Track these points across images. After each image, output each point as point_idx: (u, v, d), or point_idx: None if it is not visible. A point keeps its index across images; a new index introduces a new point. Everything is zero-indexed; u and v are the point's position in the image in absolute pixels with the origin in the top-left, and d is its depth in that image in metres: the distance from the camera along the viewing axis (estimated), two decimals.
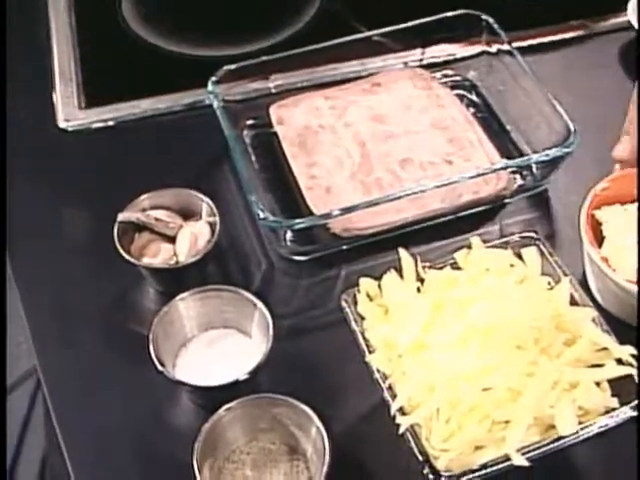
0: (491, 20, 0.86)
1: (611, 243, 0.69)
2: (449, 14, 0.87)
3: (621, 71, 0.92)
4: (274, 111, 0.85)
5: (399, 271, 0.66)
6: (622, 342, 0.63)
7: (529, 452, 0.58)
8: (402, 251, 0.67)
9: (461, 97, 0.88)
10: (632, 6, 0.92)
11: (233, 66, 0.84)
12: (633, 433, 0.63)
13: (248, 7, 0.98)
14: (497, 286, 0.63)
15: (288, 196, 0.80)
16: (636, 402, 0.61)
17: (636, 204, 0.71)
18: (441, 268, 0.67)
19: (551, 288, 0.65)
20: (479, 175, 0.75)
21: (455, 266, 0.67)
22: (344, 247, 0.77)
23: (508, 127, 0.86)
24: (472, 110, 0.87)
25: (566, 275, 0.66)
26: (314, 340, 0.72)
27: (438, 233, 0.78)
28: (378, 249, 0.76)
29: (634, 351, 0.62)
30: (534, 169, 0.79)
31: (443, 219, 0.79)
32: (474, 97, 0.89)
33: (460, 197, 0.77)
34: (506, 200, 0.81)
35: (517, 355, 0.60)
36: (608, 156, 0.78)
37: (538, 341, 0.61)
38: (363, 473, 0.65)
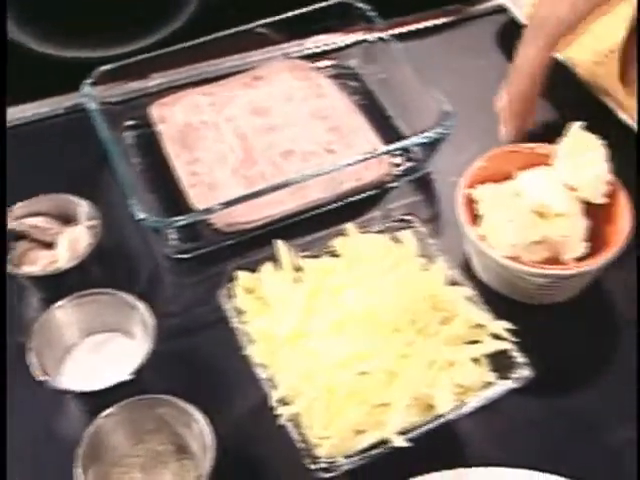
0: (366, 7, 0.87)
1: (487, 221, 0.70)
2: (325, 3, 0.88)
3: (498, 52, 0.93)
4: (154, 110, 0.85)
5: (277, 262, 0.66)
6: (506, 317, 0.64)
7: (409, 432, 0.59)
8: (279, 242, 0.67)
9: (343, 86, 0.89)
10: None
11: (109, 66, 0.83)
12: (514, 404, 0.65)
13: (125, 6, 0.97)
14: (371, 271, 0.64)
15: (171, 195, 0.80)
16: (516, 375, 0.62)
17: (508, 182, 0.73)
18: (319, 257, 0.67)
19: (427, 269, 0.66)
20: (358, 162, 0.76)
21: (334, 254, 0.67)
22: (229, 242, 0.77)
23: (390, 113, 0.86)
24: (354, 98, 0.88)
25: (442, 255, 0.67)
26: (200, 338, 0.72)
27: (322, 222, 0.78)
28: (263, 242, 0.75)
29: (509, 325, 0.63)
30: (415, 152, 0.80)
31: (326, 208, 0.79)
32: (356, 85, 0.89)
33: (341, 185, 0.78)
34: (390, 185, 0.81)
35: (393, 337, 0.61)
36: (487, 136, 0.79)
37: (414, 322, 0.62)
38: (250, 466, 0.65)
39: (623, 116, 0.83)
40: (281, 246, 0.67)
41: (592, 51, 0.89)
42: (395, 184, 0.82)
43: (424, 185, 0.82)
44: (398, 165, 0.81)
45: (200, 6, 0.97)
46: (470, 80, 0.90)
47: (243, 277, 0.66)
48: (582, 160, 0.72)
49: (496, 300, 0.73)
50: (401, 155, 0.80)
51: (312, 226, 0.78)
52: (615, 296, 0.75)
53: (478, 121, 0.85)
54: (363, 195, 0.80)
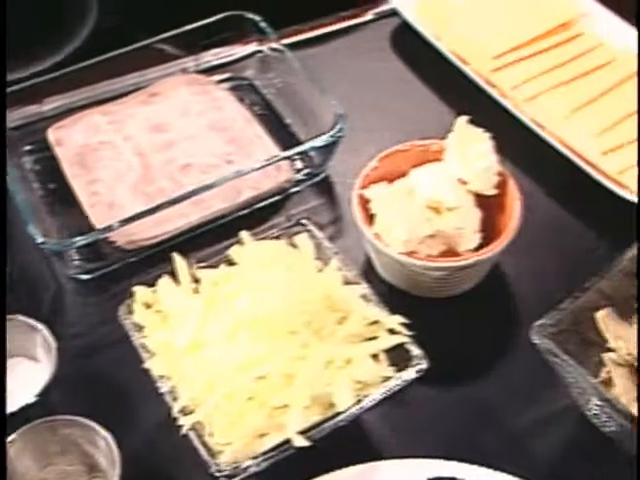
0: (258, 19, 0.88)
1: (380, 220, 0.72)
2: (218, 17, 0.89)
3: (391, 55, 0.95)
4: (52, 133, 0.85)
5: (174, 275, 0.67)
6: (407, 312, 0.66)
7: (310, 432, 0.60)
8: (175, 255, 0.68)
9: (240, 97, 0.90)
10: None
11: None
12: (417, 396, 0.67)
13: (19, 31, 0.96)
14: (266, 276, 0.65)
15: (73, 217, 0.80)
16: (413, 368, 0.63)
17: (400, 180, 0.75)
18: (216, 266, 0.68)
19: (321, 271, 0.67)
20: (254, 170, 0.77)
21: (231, 263, 0.68)
22: (132, 259, 0.78)
23: (288, 121, 0.88)
24: (252, 109, 0.89)
25: (337, 257, 0.68)
26: (104, 356, 0.72)
27: (226, 233, 0.78)
28: (167, 257, 0.77)
29: (403, 320, 0.65)
30: (312, 157, 0.81)
31: (229, 218, 0.80)
32: (253, 96, 0.91)
33: (240, 194, 0.79)
34: (290, 191, 0.83)
35: (288, 340, 0.62)
36: (383, 137, 0.81)
37: (310, 324, 0.63)
38: (158, 477, 0.65)
39: (510, 107, 0.86)
40: (178, 259, 0.68)
41: (485, 47, 0.91)
42: (296, 189, 0.83)
43: (325, 189, 0.84)
44: (298, 171, 0.82)
45: (96, 26, 0.97)
46: (365, 84, 0.92)
47: (141, 292, 0.66)
48: (470, 154, 0.74)
49: (398, 296, 0.75)
50: (300, 160, 0.82)
51: (216, 237, 0.78)
52: (513, 285, 0.78)
53: (374, 123, 0.87)
54: (265, 203, 0.82)
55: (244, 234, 0.69)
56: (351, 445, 0.66)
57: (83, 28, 0.97)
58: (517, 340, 0.72)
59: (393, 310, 0.66)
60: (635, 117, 0.84)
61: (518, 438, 0.68)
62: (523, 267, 0.78)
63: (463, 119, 0.74)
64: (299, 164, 0.82)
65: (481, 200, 0.75)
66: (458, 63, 0.89)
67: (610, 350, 0.67)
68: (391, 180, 0.75)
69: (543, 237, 0.80)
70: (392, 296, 0.75)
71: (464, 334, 0.74)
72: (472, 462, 0.65)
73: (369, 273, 0.77)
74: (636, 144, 0.83)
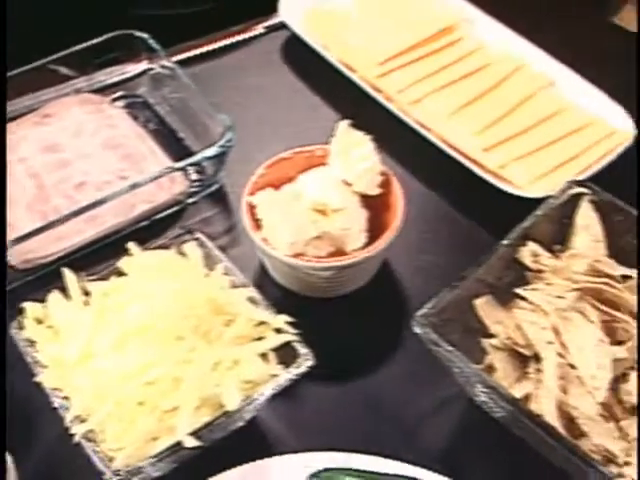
0: (147, 37, 0.90)
1: (266, 224, 0.74)
2: (108, 36, 0.91)
3: (283, 67, 0.99)
4: None
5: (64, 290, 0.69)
6: (298, 312, 0.68)
7: (201, 432, 0.62)
8: (64, 270, 0.69)
9: (134, 115, 0.92)
10: (284, 6, 0.98)
11: None
12: (310, 393, 0.71)
13: None
14: (153, 285, 0.67)
15: None
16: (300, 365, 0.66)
17: (286, 185, 0.77)
18: (106, 279, 0.70)
19: (208, 277, 0.69)
20: (144, 184, 0.79)
21: (121, 274, 0.70)
22: (29, 278, 0.79)
23: (181, 135, 0.90)
24: (147, 125, 0.91)
25: (224, 262, 0.71)
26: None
27: (121, 247, 0.80)
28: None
29: (289, 319, 0.67)
30: (204, 168, 0.84)
31: (124, 232, 0.82)
32: (147, 112, 0.93)
33: (134, 208, 0.81)
34: (186, 202, 0.85)
35: (176, 345, 0.64)
36: (273, 146, 0.83)
37: (197, 328, 0.65)
38: None
39: (395, 110, 0.89)
40: (67, 273, 0.69)
41: (371, 54, 0.95)
42: (191, 201, 0.85)
43: (219, 199, 0.86)
44: (192, 182, 0.85)
45: None
46: (256, 96, 0.95)
47: (31, 308, 0.68)
48: (353, 156, 0.77)
49: (290, 298, 0.78)
50: (193, 172, 0.84)
51: (112, 252, 0.79)
52: (403, 281, 0.81)
53: (265, 134, 0.90)
54: (160, 215, 0.83)
55: (132, 245, 0.71)
56: (249, 444, 0.68)
57: None
58: (405, 333, 0.75)
59: (285, 311, 0.69)
60: (513, 115, 0.89)
61: (410, 427, 0.71)
62: (412, 263, 0.81)
63: (345, 123, 0.77)
64: (192, 175, 0.84)
65: (367, 200, 0.78)
66: (346, 71, 0.93)
67: (491, 336, 0.70)
68: (279, 186, 0.78)
69: (430, 233, 0.83)
70: (284, 298, 0.78)
71: (354, 331, 0.77)
72: (364, 452, 0.67)
73: (262, 278, 0.79)
74: (515, 140, 0.87)
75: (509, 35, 0.95)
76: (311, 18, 0.99)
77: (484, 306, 0.70)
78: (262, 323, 0.68)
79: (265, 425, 0.71)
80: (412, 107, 0.90)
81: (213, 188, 0.86)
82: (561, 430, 0.63)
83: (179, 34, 0.97)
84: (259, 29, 0.98)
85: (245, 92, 0.94)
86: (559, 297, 0.68)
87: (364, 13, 1.01)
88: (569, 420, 0.64)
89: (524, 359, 0.69)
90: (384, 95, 0.91)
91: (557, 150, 0.87)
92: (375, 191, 0.77)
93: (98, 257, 0.79)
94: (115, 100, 0.93)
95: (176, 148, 0.89)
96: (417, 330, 0.66)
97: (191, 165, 0.82)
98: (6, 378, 0.71)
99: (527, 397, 0.67)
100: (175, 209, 0.85)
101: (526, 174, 0.84)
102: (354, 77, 0.92)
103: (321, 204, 0.75)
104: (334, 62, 0.94)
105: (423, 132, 0.87)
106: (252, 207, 0.76)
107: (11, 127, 0.89)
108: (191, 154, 0.87)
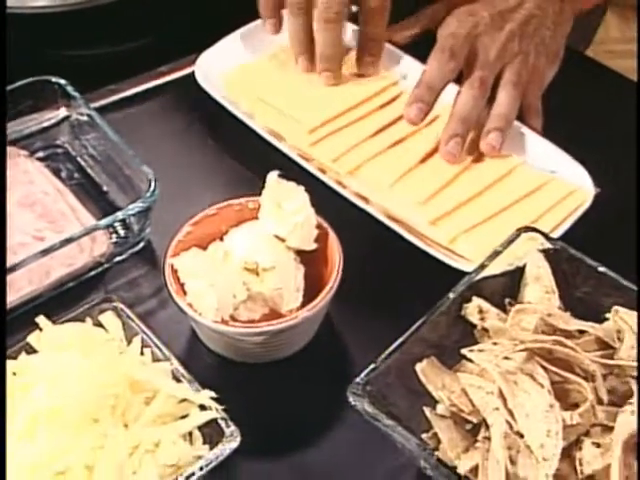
0: (63, 82, 0.90)
1: (190, 289, 0.73)
2: (22, 82, 0.90)
3: (193, 114, 0.98)
4: None
5: None
6: (232, 381, 0.69)
7: None
8: None
9: (56, 167, 0.91)
10: (200, 73, 0.96)
11: None
12: (241, 470, 0.70)
13: None
14: (65, 362, 0.66)
15: None
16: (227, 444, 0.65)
17: (211, 245, 0.77)
18: (16, 357, 0.69)
19: (124, 352, 0.68)
20: (60, 246, 0.77)
21: (31, 350, 0.69)
22: None
23: (105, 188, 0.89)
24: (68, 178, 0.90)
25: (144, 333, 0.70)
26: None
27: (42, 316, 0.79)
28: None
29: (213, 394, 0.67)
30: (128, 224, 0.83)
31: (41, 300, 0.80)
32: (69, 164, 0.92)
33: (50, 274, 0.80)
34: (111, 262, 0.84)
35: (90, 429, 0.63)
36: (200, 198, 0.83)
37: (114, 409, 0.64)
38: None
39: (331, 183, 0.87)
40: None
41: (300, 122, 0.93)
42: (115, 260, 0.84)
43: (145, 258, 0.85)
44: (116, 241, 0.84)
45: None
46: (174, 144, 0.95)
47: None
48: (286, 209, 0.76)
49: (224, 366, 0.77)
50: (116, 229, 0.83)
51: (25, 324, 0.78)
52: (345, 342, 0.80)
53: (196, 186, 0.89)
54: (83, 278, 0.82)
55: (41, 319, 0.70)
56: None
57: None
58: (346, 400, 0.74)
59: (215, 382, 0.68)
60: (461, 180, 0.88)
61: None
62: (353, 323, 0.80)
63: (274, 174, 0.76)
64: (116, 234, 0.83)
65: (303, 255, 0.77)
66: (273, 141, 0.90)
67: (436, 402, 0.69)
68: (206, 244, 0.77)
69: (372, 290, 0.82)
70: (216, 366, 0.77)
71: (291, 400, 0.76)
72: None
73: (193, 344, 0.78)
74: (464, 209, 0.85)
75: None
76: (231, 82, 0.98)
77: (426, 370, 0.69)
78: (185, 400, 0.67)
79: None
80: (349, 177, 0.88)
81: (138, 247, 0.85)
82: None
83: (101, 75, 0.96)
84: (191, 68, 0.97)
85: (162, 140, 0.94)
86: (506, 358, 0.67)
87: (289, 79, 0.99)
88: None
89: (473, 426, 0.68)
90: (316, 164, 0.89)
91: (511, 217, 0.84)
92: (311, 246, 0.77)
93: (11, 329, 0.78)
94: (34, 152, 0.92)
95: (100, 202, 0.88)
96: (352, 402, 0.65)
97: (115, 222, 0.81)
98: None
99: (476, 469, 0.66)
100: (97, 271, 0.83)
101: (478, 247, 0.81)
102: (283, 147, 0.90)
103: (251, 263, 0.74)
104: (261, 132, 0.91)
105: (362, 205, 0.85)
106: (175, 270, 0.75)
107: None
108: (116, 209, 0.86)
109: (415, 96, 0.90)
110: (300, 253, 0.77)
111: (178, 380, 0.68)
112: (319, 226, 0.77)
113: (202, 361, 0.77)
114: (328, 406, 0.75)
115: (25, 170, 0.89)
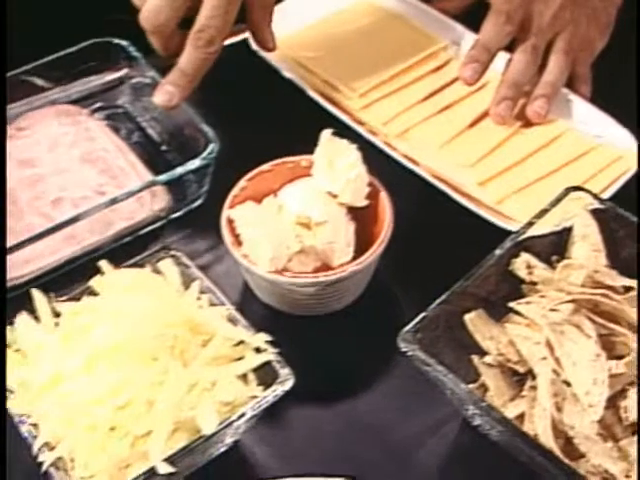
0: (126, 44, 0.93)
1: (245, 240, 0.76)
2: (84, 44, 0.93)
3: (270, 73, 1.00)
4: None
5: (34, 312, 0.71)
6: (283, 331, 0.70)
7: (176, 458, 0.64)
8: (34, 291, 0.71)
9: (116, 126, 0.94)
10: None
11: None
12: (293, 415, 0.72)
13: None
14: (124, 303, 0.68)
15: None
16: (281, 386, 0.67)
17: (267, 198, 0.79)
18: (79, 298, 0.71)
19: (183, 295, 0.71)
20: (122, 199, 0.80)
21: (93, 293, 0.72)
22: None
23: (163, 147, 0.92)
24: (127, 137, 0.93)
25: (202, 279, 0.72)
26: None
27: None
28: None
29: (268, 337, 0.69)
30: (186, 182, 0.85)
31: (102, 251, 0.83)
32: (129, 124, 0.95)
33: (112, 226, 0.83)
34: (168, 218, 0.87)
35: (149, 367, 0.65)
36: (262, 159, 0.85)
37: (173, 349, 0.67)
38: None
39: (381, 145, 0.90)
40: (36, 294, 0.71)
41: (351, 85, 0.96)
42: (173, 217, 0.87)
43: (202, 214, 0.88)
44: (174, 197, 0.86)
45: None
46: (231, 105, 0.97)
47: None
48: (338, 166, 0.78)
49: (275, 317, 0.79)
50: (175, 186, 0.86)
51: (88, 271, 0.81)
52: (394, 297, 0.82)
53: (244, 144, 0.90)
54: (141, 232, 0.85)
55: (103, 263, 0.72)
56: (230, 470, 0.70)
57: None
58: (394, 351, 0.76)
59: (267, 330, 0.70)
60: (509, 144, 0.90)
61: (399, 451, 0.72)
62: (402, 277, 0.82)
63: (328, 132, 0.78)
64: (174, 190, 0.86)
65: (354, 212, 0.79)
66: (326, 105, 0.93)
67: (484, 353, 0.71)
68: (261, 199, 0.79)
69: (421, 246, 0.84)
70: (269, 317, 0.79)
71: (341, 349, 0.78)
72: (352, 477, 0.68)
73: (246, 296, 0.81)
74: (512, 172, 0.87)
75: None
76: (285, 46, 0.99)
77: (475, 321, 0.71)
78: (241, 343, 0.69)
79: (246, 449, 0.72)
80: (399, 140, 0.90)
81: (196, 204, 0.88)
82: (557, 452, 0.64)
83: None
84: (245, 34, 0.99)
85: (229, 101, 0.96)
86: (554, 310, 0.69)
87: (339, 41, 1.01)
88: (566, 440, 0.65)
89: (519, 376, 0.70)
90: (367, 128, 0.91)
91: (558, 180, 0.86)
92: (362, 203, 0.79)
93: (72, 277, 0.81)
94: (94, 112, 0.95)
95: (157, 161, 0.91)
96: (403, 348, 0.67)
97: (174, 179, 0.84)
98: None
99: (522, 416, 0.68)
100: (156, 226, 0.86)
101: (525, 208, 0.82)
102: (335, 110, 0.92)
103: (305, 217, 0.76)
104: (314, 96, 0.94)
105: (411, 166, 0.87)
106: (232, 222, 0.77)
107: None
108: (174, 167, 0.89)
109: (471, 57, 0.92)
110: (351, 210, 0.79)
111: (234, 324, 0.70)
112: (370, 184, 0.79)
113: (256, 313, 0.79)
114: (377, 357, 0.77)
115: (86, 128, 0.92)
